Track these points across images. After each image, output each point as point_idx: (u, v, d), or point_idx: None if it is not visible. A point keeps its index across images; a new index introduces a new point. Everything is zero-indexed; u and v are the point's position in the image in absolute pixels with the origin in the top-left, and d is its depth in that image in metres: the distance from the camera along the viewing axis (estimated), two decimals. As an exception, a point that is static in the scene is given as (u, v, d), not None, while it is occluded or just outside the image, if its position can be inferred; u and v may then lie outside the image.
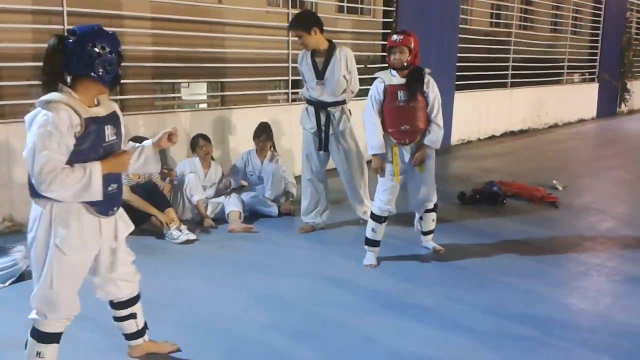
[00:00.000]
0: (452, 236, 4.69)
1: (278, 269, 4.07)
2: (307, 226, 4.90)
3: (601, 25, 13.51)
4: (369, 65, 7.96)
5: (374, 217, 4.11)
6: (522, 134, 11.07)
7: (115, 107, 2.45)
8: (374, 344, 3.01)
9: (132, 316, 2.69)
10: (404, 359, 2.88)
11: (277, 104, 7.93)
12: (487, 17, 13.05)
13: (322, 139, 4.73)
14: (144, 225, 4.57)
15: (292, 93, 6.85)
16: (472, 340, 3.06)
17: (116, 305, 2.65)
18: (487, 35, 11.09)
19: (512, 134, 10.90)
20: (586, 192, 6.44)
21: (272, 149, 5.53)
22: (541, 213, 5.58)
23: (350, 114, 4.76)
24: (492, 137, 10.41)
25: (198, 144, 5.26)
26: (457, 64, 9.25)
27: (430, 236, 4.39)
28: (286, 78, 6.87)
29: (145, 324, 2.78)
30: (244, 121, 6.18)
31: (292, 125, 6.31)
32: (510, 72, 10.70)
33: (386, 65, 4.10)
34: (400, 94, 3.91)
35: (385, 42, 4.42)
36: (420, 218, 4.35)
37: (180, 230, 4.56)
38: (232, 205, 4.99)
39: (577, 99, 13.17)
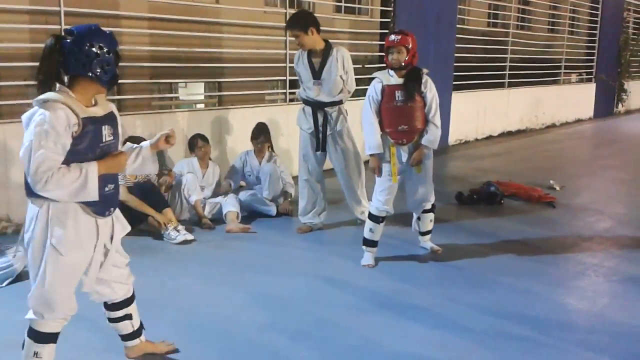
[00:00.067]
0: (449, 236, 4.69)
1: (276, 269, 4.06)
2: (305, 226, 4.90)
3: (598, 25, 13.54)
4: (366, 65, 7.97)
5: (371, 217, 4.11)
6: (519, 134, 11.07)
7: (113, 108, 2.44)
8: (372, 344, 3.01)
9: (128, 317, 2.68)
10: (402, 359, 2.88)
11: (274, 104, 7.91)
12: (484, 17, 13.08)
13: (320, 139, 4.73)
14: (141, 225, 4.57)
15: (290, 93, 6.84)
16: (470, 340, 3.06)
17: (111, 306, 2.64)
18: (484, 35, 11.10)
19: (509, 134, 10.90)
20: (583, 192, 6.44)
21: (269, 149, 5.53)
22: (539, 213, 5.58)
23: (347, 114, 4.77)
24: (490, 137, 10.42)
25: (197, 144, 5.25)
26: (455, 64, 9.26)
27: (428, 236, 4.39)
28: (284, 78, 6.86)
29: (141, 325, 2.77)
30: (241, 121, 6.17)
31: (290, 125, 6.30)
32: (507, 72, 10.70)
33: (384, 65, 4.10)
34: (398, 94, 3.91)
35: (383, 42, 4.42)
36: (418, 218, 4.34)
37: (178, 231, 4.56)
38: (230, 205, 4.99)
39: (575, 99, 13.18)
